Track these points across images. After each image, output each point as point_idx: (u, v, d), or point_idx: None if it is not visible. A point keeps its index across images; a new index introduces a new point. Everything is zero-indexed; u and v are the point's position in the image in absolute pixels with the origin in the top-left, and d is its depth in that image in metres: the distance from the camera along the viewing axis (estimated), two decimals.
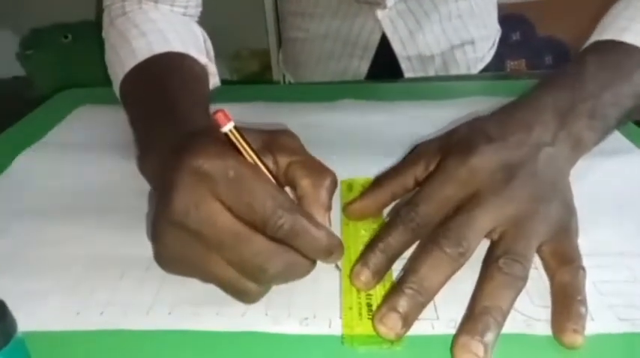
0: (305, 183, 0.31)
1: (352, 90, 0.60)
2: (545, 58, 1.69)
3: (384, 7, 0.70)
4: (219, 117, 0.29)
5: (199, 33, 0.55)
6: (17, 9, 1.65)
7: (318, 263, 0.29)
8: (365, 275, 0.30)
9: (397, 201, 0.37)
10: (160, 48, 0.47)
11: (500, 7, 0.82)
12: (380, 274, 0.30)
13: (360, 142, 0.48)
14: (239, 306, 0.29)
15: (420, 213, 0.31)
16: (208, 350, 0.27)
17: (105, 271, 0.32)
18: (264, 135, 0.33)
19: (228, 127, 0.29)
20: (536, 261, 0.32)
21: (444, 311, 0.29)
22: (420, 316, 0.28)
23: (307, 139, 0.49)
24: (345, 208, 0.36)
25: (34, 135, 0.51)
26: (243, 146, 0.29)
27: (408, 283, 0.28)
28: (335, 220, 0.36)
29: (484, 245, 0.31)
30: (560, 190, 0.33)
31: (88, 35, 1.63)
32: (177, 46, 0.48)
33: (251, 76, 1.78)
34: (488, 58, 0.80)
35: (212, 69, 0.53)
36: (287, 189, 0.32)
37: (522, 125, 0.35)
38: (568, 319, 0.27)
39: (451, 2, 0.72)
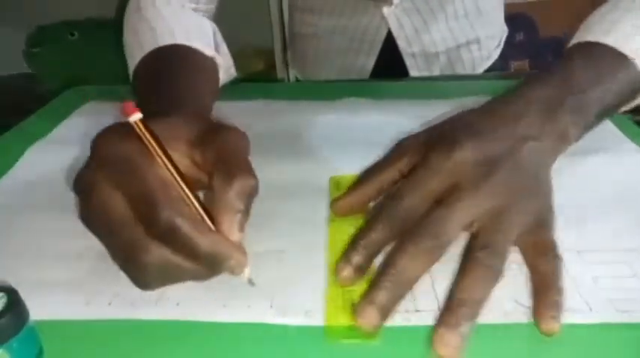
0: (215, 183, 0.29)
1: (356, 88, 0.60)
2: (548, 58, 1.69)
3: (390, 4, 0.71)
4: (125, 107, 0.29)
5: (209, 27, 0.56)
6: (24, 7, 1.66)
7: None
8: (347, 271, 0.30)
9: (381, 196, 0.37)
10: (164, 41, 0.49)
11: (505, 7, 0.82)
12: (362, 270, 0.30)
13: (361, 140, 0.48)
14: (245, 299, 0.30)
15: (402, 207, 0.31)
16: (214, 340, 0.28)
17: (113, 263, 0.33)
18: (204, 128, 0.32)
19: (133, 118, 0.29)
20: None
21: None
22: (425, 307, 0.28)
23: (308, 137, 0.50)
24: (332, 205, 0.37)
25: (42, 131, 0.52)
26: (147, 138, 0.29)
27: (385, 276, 0.28)
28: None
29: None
30: (541, 184, 0.34)
31: (94, 33, 1.64)
32: (181, 39, 0.49)
33: (255, 75, 1.78)
34: (494, 57, 0.80)
35: (221, 61, 0.53)
36: None
37: (507, 119, 0.35)
38: (546, 306, 0.28)
39: (457, 1, 0.72)
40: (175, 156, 0.30)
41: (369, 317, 0.27)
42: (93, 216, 0.29)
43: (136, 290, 0.31)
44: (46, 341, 0.27)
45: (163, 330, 0.29)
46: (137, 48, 0.50)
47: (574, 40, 0.44)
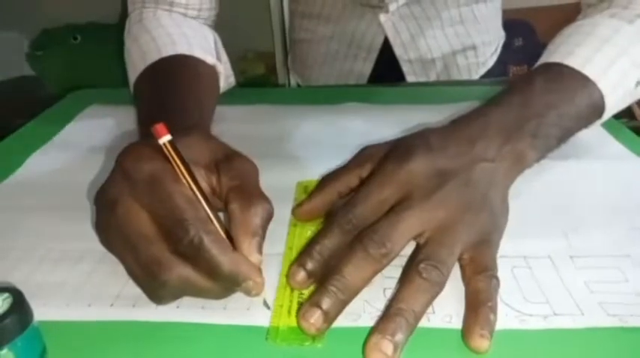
0: (234, 206, 0.30)
1: (355, 93, 0.61)
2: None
3: (387, 10, 0.71)
4: (156, 130, 0.30)
5: (210, 35, 0.57)
6: (27, 10, 1.67)
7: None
8: (300, 275, 0.31)
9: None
10: (167, 51, 0.49)
11: (503, 13, 0.83)
12: (315, 275, 0.31)
13: (356, 145, 0.49)
14: (244, 301, 0.31)
15: (355, 214, 0.32)
16: (214, 343, 0.29)
17: (115, 266, 0.33)
18: (219, 153, 0.33)
19: (162, 141, 0.30)
20: (530, 260, 0.34)
21: (440, 306, 0.30)
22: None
23: (311, 141, 0.50)
24: (293, 210, 0.37)
25: (46, 134, 0.53)
26: (174, 159, 0.30)
27: (331, 281, 0.29)
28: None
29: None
30: (491, 202, 0.33)
31: (97, 36, 1.65)
32: (183, 49, 0.50)
33: (256, 79, 1.79)
34: (490, 63, 0.80)
35: (221, 69, 0.54)
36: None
37: (465, 139, 0.36)
38: (476, 323, 0.28)
39: (453, 8, 0.73)
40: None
41: (313, 320, 0.28)
42: (114, 230, 0.30)
43: (137, 293, 0.31)
44: (50, 341, 0.27)
45: (164, 332, 0.29)
46: (139, 59, 0.50)
47: (540, 60, 0.45)
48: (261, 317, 0.30)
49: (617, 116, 0.46)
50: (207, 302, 0.31)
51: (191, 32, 0.53)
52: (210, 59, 0.52)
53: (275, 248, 0.35)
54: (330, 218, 0.33)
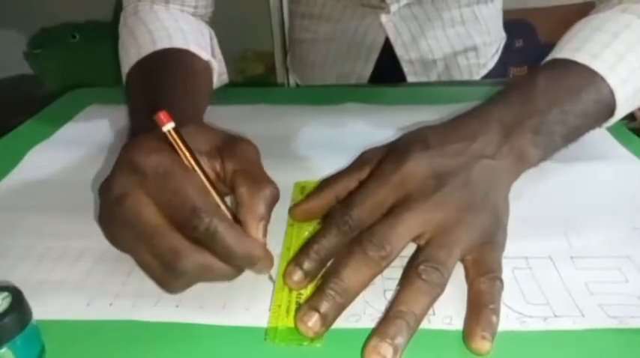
0: (242, 191, 0.31)
1: (356, 94, 0.61)
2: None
3: (388, 11, 0.71)
4: (159, 117, 0.30)
5: (206, 31, 0.57)
6: (26, 8, 1.66)
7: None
8: (297, 275, 0.31)
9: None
10: (162, 44, 0.49)
11: (504, 13, 0.83)
12: (312, 275, 0.31)
13: (352, 146, 0.49)
14: (243, 301, 0.31)
15: (353, 216, 0.32)
16: (212, 342, 0.28)
17: (114, 264, 0.34)
18: (219, 140, 0.33)
19: (166, 128, 0.30)
20: (531, 260, 0.34)
21: (440, 308, 0.30)
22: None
23: (309, 141, 0.50)
24: (290, 210, 0.37)
25: (44, 133, 0.53)
26: (180, 147, 0.30)
27: (329, 284, 0.29)
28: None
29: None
30: (491, 202, 0.33)
31: (96, 35, 1.65)
32: (178, 43, 0.50)
33: (255, 78, 1.79)
34: (491, 64, 0.80)
35: (216, 66, 0.54)
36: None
37: (464, 136, 0.35)
38: (477, 325, 0.28)
39: (454, 9, 0.73)
40: None
41: (312, 323, 0.28)
42: (123, 223, 0.29)
43: (137, 292, 0.31)
44: (48, 340, 0.27)
45: (163, 331, 0.29)
46: (134, 50, 0.50)
47: (548, 57, 0.44)
48: (259, 317, 0.30)
49: None
50: (206, 302, 0.31)
51: (188, 27, 0.53)
52: (205, 55, 0.52)
53: (273, 249, 0.35)
54: (327, 218, 0.33)
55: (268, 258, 0.30)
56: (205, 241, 0.28)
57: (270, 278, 0.31)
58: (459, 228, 0.31)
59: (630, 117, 0.47)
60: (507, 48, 0.84)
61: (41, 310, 0.27)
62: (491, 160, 0.34)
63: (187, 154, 0.30)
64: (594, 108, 0.40)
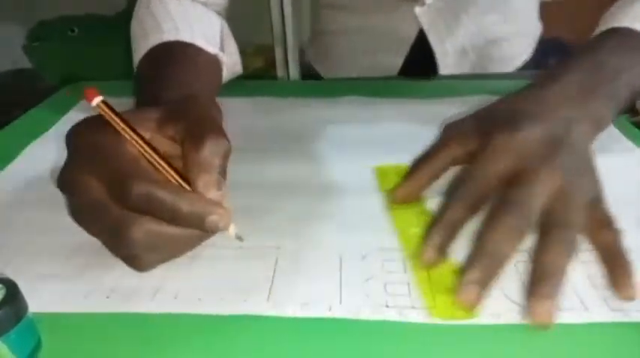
0: (187, 146, 0.30)
1: (356, 87, 0.60)
2: (550, 59, 1.68)
3: (423, 3, 0.70)
4: (86, 94, 0.31)
5: (216, 23, 0.56)
6: (25, 1, 1.66)
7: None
8: (430, 252, 0.31)
9: (452, 178, 0.37)
10: (169, 37, 0.49)
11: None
12: (443, 250, 0.32)
13: (360, 137, 0.49)
14: (241, 292, 0.30)
15: (476, 186, 0.33)
16: (211, 333, 0.28)
17: (112, 258, 0.33)
18: (172, 105, 0.33)
19: (95, 102, 0.31)
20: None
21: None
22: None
23: (305, 135, 0.50)
24: (389, 194, 0.38)
25: (42, 127, 0.52)
26: (112, 117, 0.31)
27: (480, 256, 0.30)
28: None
29: None
30: (591, 162, 0.35)
31: (95, 29, 1.64)
32: (185, 37, 0.50)
33: (255, 72, 1.78)
34: (525, 56, 0.79)
35: (225, 59, 0.54)
36: None
37: (551, 103, 0.37)
38: (622, 275, 0.30)
39: None
40: (149, 136, 0.31)
41: (471, 294, 0.28)
42: (78, 208, 0.30)
43: (134, 284, 0.31)
44: (44, 333, 0.27)
45: (161, 323, 0.29)
46: (143, 41, 0.50)
47: (599, 29, 0.46)
48: (257, 307, 0.29)
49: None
50: (205, 294, 0.30)
51: (196, 20, 0.53)
52: (211, 48, 0.51)
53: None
54: (449, 192, 0.34)
55: (219, 212, 0.28)
56: (142, 207, 0.27)
57: (238, 236, 0.30)
58: (579, 190, 0.33)
59: (633, 111, 0.47)
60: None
61: (37, 303, 0.27)
62: (579, 124, 0.36)
63: (120, 123, 0.30)
64: None
